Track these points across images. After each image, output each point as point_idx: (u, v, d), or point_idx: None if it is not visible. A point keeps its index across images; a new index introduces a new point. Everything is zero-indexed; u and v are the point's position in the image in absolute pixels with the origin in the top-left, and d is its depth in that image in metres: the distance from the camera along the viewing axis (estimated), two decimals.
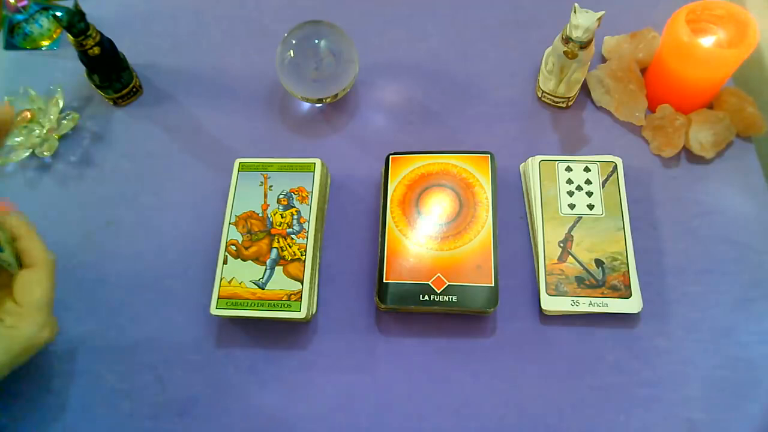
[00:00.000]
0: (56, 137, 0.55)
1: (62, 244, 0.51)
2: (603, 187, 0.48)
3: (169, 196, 0.53)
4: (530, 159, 0.50)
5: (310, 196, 0.48)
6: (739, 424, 0.43)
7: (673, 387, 0.44)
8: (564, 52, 0.49)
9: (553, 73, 0.52)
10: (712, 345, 0.45)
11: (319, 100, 0.54)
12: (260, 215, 0.48)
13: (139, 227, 0.52)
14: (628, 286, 0.45)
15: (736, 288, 0.47)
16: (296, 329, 0.47)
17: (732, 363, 0.44)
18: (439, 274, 0.45)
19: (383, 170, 0.50)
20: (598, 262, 0.46)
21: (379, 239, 0.47)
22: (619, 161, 0.49)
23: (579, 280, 0.45)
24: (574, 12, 0.46)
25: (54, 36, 0.61)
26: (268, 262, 0.46)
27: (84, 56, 0.52)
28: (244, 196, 0.49)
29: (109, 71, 0.55)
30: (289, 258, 0.46)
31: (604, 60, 0.56)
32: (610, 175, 0.49)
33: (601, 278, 0.45)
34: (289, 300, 0.45)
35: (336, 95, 0.54)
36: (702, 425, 0.43)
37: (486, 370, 0.45)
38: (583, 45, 0.48)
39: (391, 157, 0.50)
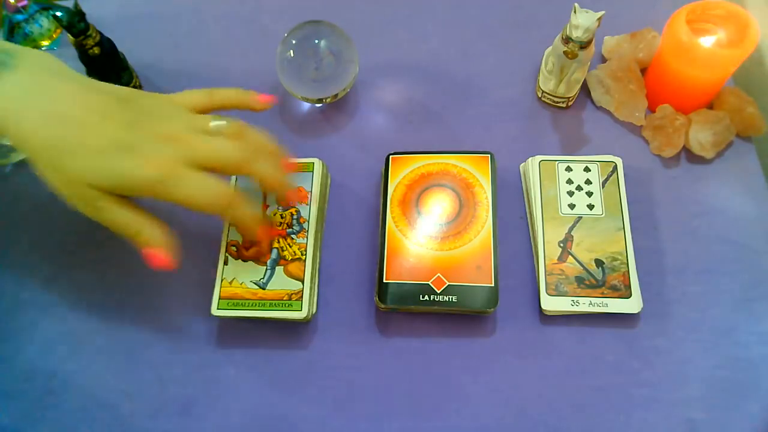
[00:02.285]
0: None
1: (62, 244, 0.51)
2: (603, 187, 0.48)
3: None
4: (530, 159, 0.51)
5: (309, 196, 0.48)
6: (739, 424, 0.43)
7: (673, 387, 0.44)
8: (564, 52, 0.49)
9: (553, 73, 0.52)
10: (712, 345, 0.45)
11: (319, 100, 0.54)
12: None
13: None
14: (628, 286, 0.45)
15: (736, 288, 0.47)
16: (296, 329, 0.47)
17: (732, 363, 0.44)
18: (439, 274, 0.45)
19: (383, 170, 0.50)
20: (598, 262, 0.46)
21: (379, 239, 0.47)
22: (619, 161, 0.49)
23: (579, 280, 0.45)
24: (574, 12, 0.46)
25: (54, 36, 0.61)
26: (268, 262, 0.46)
27: (84, 56, 0.52)
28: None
29: (109, 71, 0.54)
30: (290, 258, 0.46)
31: (604, 60, 0.56)
32: (610, 175, 0.49)
33: (601, 278, 0.45)
34: (290, 299, 0.45)
35: (336, 95, 0.54)
36: (702, 425, 0.43)
37: (486, 370, 0.45)
38: (583, 45, 0.48)
39: (391, 157, 0.50)
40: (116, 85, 0.41)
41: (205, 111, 0.43)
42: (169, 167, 0.38)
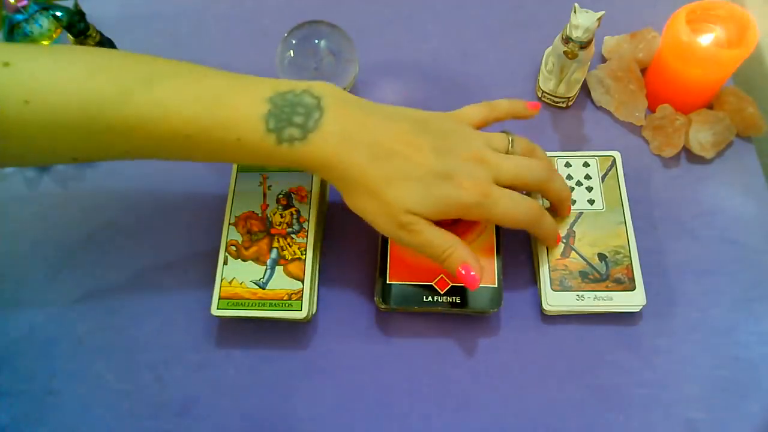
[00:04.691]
0: None
1: (62, 244, 0.51)
2: (603, 181, 0.48)
3: (169, 196, 0.53)
4: None
5: (309, 196, 0.48)
6: (739, 424, 0.43)
7: (673, 387, 0.44)
8: (564, 52, 0.49)
9: (553, 73, 0.52)
10: (712, 345, 0.45)
11: None
12: (259, 215, 0.48)
13: (139, 227, 0.52)
14: (632, 279, 0.45)
15: (736, 288, 0.47)
16: (296, 329, 0.47)
17: (732, 363, 0.44)
18: (442, 275, 0.45)
19: None
20: (601, 256, 0.46)
21: (380, 240, 0.47)
22: (617, 155, 0.49)
23: (583, 274, 0.45)
24: (574, 12, 0.46)
25: (54, 36, 0.61)
26: (268, 261, 0.46)
27: None
28: (243, 197, 0.49)
29: None
30: (290, 257, 0.46)
31: (604, 60, 0.56)
32: (609, 170, 0.49)
33: (604, 272, 0.45)
34: (290, 299, 0.45)
35: None
36: (702, 425, 0.43)
37: (486, 369, 0.45)
38: (583, 45, 0.48)
39: None
40: (399, 107, 0.42)
41: (483, 125, 0.44)
42: (485, 189, 0.39)
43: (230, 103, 0.38)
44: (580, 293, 0.45)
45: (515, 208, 0.40)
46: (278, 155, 0.38)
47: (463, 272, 0.39)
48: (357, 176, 0.38)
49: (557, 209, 0.47)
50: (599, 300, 0.44)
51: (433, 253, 0.40)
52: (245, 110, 0.38)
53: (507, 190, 0.40)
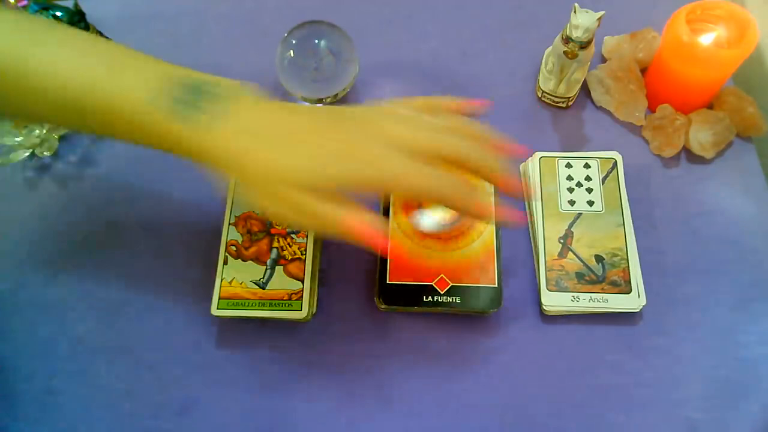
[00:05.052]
0: (56, 137, 0.55)
1: (62, 244, 0.51)
2: (603, 183, 0.48)
3: (169, 197, 0.53)
4: (530, 156, 0.50)
5: None
6: (739, 424, 0.43)
7: (674, 387, 0.44)
8: (564, 52, 0.49)
9: (553, 73, 0.52)
10: (712, 345, 0.45)
11: (319, 100, 0.54)
12: (259, 215, 0.48)
13: (139, 227, 0.52)
14: (628, 282, 0.45)
15: (736, 288, 0.47)
16: (296, 329, 0.47)
17: (732, 363, 0.44)
18: (442, 275, 0.45)
19: None
20: (598, 258, 0.46)
21: None
22: (619, 158, 0.49)
23: (579, 275, 0.45)
24: (574, 12, 0.46)
25: None
26: (268, 262, 0.46)
27: None
28: None
29: None
30: (290, 257, 0.46)
31: (604, 60, 0.56)
32: (610, 172, 0.49)
33: (601, 274, 0.45)
34: (290, 299, 0.45)
35: (336, 95, 0.54)
36: (702, 425, 0.43)
37: (486, 369, 0.45)
38: (583, 45, 0.48)
39: None
40: (329, 107, 0.40)
41: None
42: (397, 163, 0.36)
43: (131, 75, 0.37)
44: (576, 294, 0.45)
45: (424, 180, 0.36)
46: (173, 136, 0.37)
47: (362, 233, 0.36)
48: (254, 168, 0.36)
49: (492, 184, 0.42)
50: (594, 302, 0.44)
51: (329, 225, 0.36)
52: (146, 84, 0.37)
53: (417, 164, 0.36)
